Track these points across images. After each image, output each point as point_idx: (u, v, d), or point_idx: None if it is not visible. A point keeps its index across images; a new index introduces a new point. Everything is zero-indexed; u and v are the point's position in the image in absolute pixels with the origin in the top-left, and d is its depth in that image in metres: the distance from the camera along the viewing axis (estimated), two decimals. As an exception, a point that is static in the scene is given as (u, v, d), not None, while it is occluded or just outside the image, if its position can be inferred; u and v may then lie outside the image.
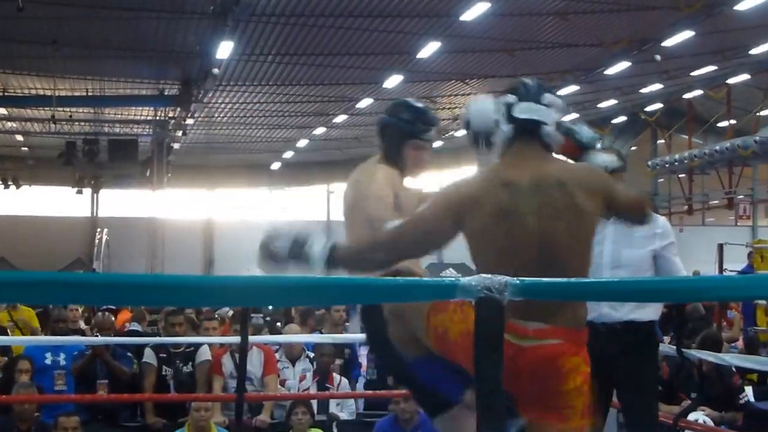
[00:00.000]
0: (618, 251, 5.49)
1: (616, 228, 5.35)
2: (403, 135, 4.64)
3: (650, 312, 5.49)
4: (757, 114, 28.09)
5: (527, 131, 3.88)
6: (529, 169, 3.83)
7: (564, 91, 26.06)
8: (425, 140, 4.66)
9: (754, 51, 22.84)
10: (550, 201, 3.77)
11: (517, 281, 2.36)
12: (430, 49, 21.24)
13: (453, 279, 2.31)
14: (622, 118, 33.32)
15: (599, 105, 29.85)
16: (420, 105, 4.82)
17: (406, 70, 23.50)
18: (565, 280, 2.87)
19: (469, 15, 18.83)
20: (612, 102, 29.83)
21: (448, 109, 28.45)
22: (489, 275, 2.31)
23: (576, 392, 3.76)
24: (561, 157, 4.12)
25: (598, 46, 21.47)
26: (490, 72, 24.43)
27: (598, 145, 4.68)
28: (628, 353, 5.35)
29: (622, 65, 22.89)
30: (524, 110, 3.89)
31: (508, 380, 3.50)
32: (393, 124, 4.68)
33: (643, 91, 28.03)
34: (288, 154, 37.07)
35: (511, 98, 3.92)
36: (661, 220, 5.62)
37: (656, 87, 27.32)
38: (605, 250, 5.48)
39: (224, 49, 20.48)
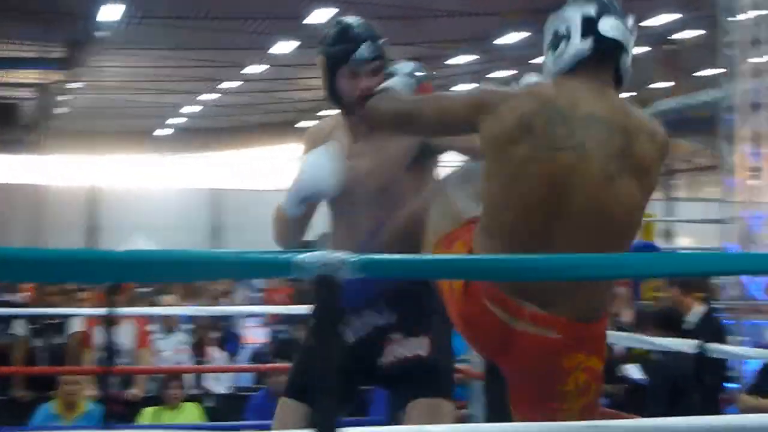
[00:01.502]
0: None
1: None
2: (331, 67, 3.72)
3: None
4: (652, 86, 28.38)
5: (607, 54, 3.17)
6: (600, 102, 3.12)
7: (459, 60, 26.06)
8: (357, 63, 3.67)
9: (648, 23, 22.91)
10: (620, 150, 3.06)
11: (355, 258, 2.07)
12: (323, 14, 20.97)
13: (288, 255, 2.05)
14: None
15: (496, 75, 29.88)
16: (344, 21, 3.85)
17: (298, 35, 23.21)
18: (418, 256, 2.56)
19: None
20: (510, 72, 29.87)
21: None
22: (327, 251, 2.08)
23: (576, 393, 3.13)
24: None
25: (495, 15, 21.41)
26: (384, 39, 24.19)
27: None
28: None
29: (520, 35, 22.89)
30: (612, 27, 3.15)
31: (496, 358, 3.21)
32: (320, 58, 3.75)
33: (539, 60, 28.07)
34: (177, 120, 36.65)
35: (591, 8, 3.16)
36: None
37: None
38: None
39: (112, 12, 20.00)
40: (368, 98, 3.56)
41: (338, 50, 3.69)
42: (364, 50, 3.68)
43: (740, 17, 13.82)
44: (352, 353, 3.64)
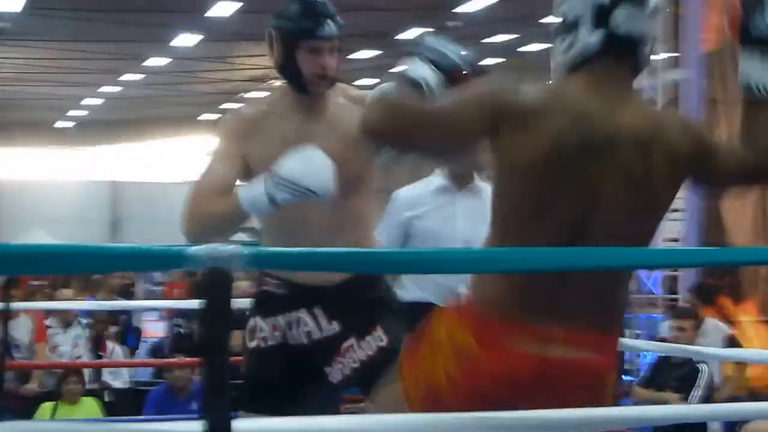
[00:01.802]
0: (474, 227, 4.56)
1: (468, 202, 4.99)
2: (289, 41, 3.52)
3: None
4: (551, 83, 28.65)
5: (623, 48, 2.72)
6: (623, 111, 2.70)
7: (360, 55, 26.07)
8: (320, 38, 3.49)
9: (545, 20, 23.12)
10: (630, 162, 2.67)
11: (248, 250, 2.01)
12: (225, 7, 20.86)
13: (180, 247, 2.00)
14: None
15: (394, 70, 29.93)
16: None
17: (200, 28, 23.06)
18: (308, 249, 2.34)
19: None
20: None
21: (243, 70, 28.14)
22: (218, 244, 2.01)
23: None
24: None
25: (395, 10, 21.47)
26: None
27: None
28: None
29: (423, 30, 22.96)
30: (629, 18, 2.68)
31: (526, 399, 2.55)
32: (276, 30, 3.54)
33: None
34: (79, 113, 36.17)
35: None
36: None
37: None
38: (458, 226, 4.96)
39: (13, 3, 19.68)
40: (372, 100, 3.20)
41: (302, 24, 3.50)
42: (330, 27, 3.51)
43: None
44: (294, 358, 3.62)
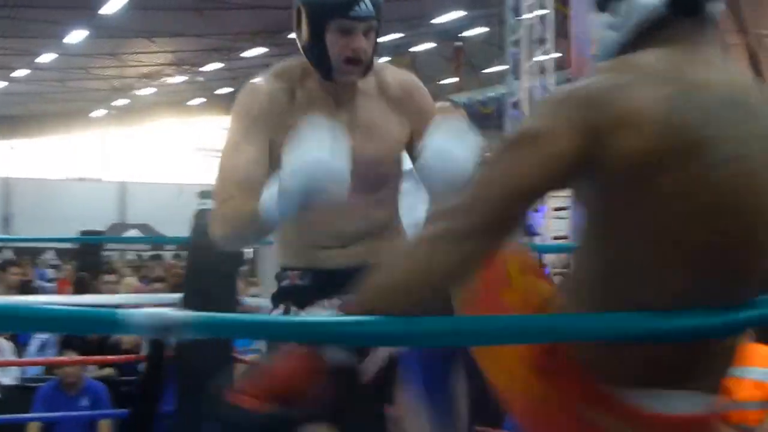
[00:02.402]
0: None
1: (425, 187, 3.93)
2: (319, 16, 2.98)
3: None
4: (441, 83, 28.96)
5: (699, 6, 2.04)
6: (724, 76, 2.00)
7: (253, 53, 26.10)
8: (354, 17, 2.97)
9: (437, 20, 23.47)
10: None
11: (191, 317, 1.79)
12: (115, 4, 20.76)
13: (118, 313, 1.78)
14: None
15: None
16: None
17: (90, 25, 22.91)
18: (258, 318, 2.03)
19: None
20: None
21: (134, 67, 27.97)
22: (161, 309, 1.93)
23: None
24: None
25: (287, 8, 21.50)
26: (178, 31, 24.12)
27: None
28: None
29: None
30: None
31: None
32: (305, 6, 2.99)
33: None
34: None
35: None
36: None
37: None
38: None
39: None
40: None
41: (334, 2, 2.97)
42: (367, 5, 2.98)
43: (526, 16, 14.41)
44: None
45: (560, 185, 1.95)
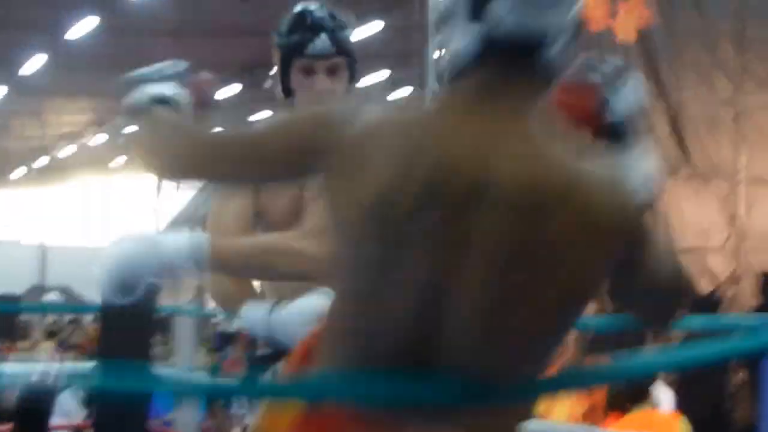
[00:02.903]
0: None
1: None
2: (284, 59, 2.90)
3: None
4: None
5: (515, 54, 1.82)
6: (504, 142, 1.81)
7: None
8: (311, 56, 2.85)
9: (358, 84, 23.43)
10: (535, 224, 1.78)
11: (61, 371, 1.76)
12: (35, 62, 20.55)
13: None
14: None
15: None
16: (305, 5, 2.98)
17: (10, 83, 22.65)
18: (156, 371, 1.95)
19: (77, 31, 18.32)
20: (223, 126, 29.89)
21: (55, 126, 27.66)
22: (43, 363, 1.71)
23: None
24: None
25: (209, 68, 21.38)
26: (99, 90, 23.90)
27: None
28: None
29: (234, 88, 23.00)
30: (517, 8, 1.79)
31: None
32: (274, 47, 2.94)
33: (254, 118, 28.30)
34: None
35: None
36: None
37: (268, 113, 27.64)
38: None
39: None
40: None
41: (292, 40, 2.90)
42: (320, 42, 2.86)
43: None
44: None
45: None
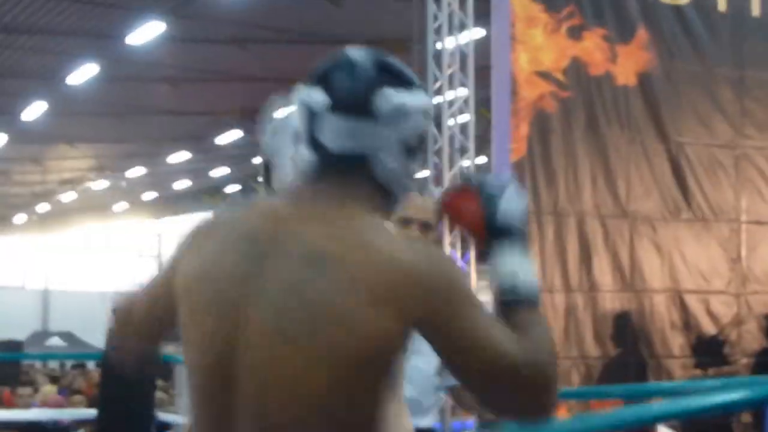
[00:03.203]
0: None
1: None
2: None
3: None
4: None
5: (342, 164, 2.00)
6: (299, 220, 1.96)
7: (176, 158, 25.98)
8: None
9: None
10: (302, 293, 1.86)
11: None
12: (35, 110, 20.62)
13: None
14: (235, 187, 33.58)
15: (211, 173, 29.90)
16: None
17: (10, 130, 22.72)
18: None
19: (76, 78, 18.38)
20: (224, 171, 29.97)
21: (56, 172, 27.71)
22: None
23: None
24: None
25: (209, 114, 21.47)
26: (99, 136, 23.98)
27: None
28: None
29: (235, 134, 23.05)
30: (336, 132, 2.00)
31: None
32: None
33: (256, 161, 28.33)
34: None
35: (318, 99, 2.01)
36: None
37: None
38: None
39: None
40: None
41: None
42: None
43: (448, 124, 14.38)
44: None
45: None
